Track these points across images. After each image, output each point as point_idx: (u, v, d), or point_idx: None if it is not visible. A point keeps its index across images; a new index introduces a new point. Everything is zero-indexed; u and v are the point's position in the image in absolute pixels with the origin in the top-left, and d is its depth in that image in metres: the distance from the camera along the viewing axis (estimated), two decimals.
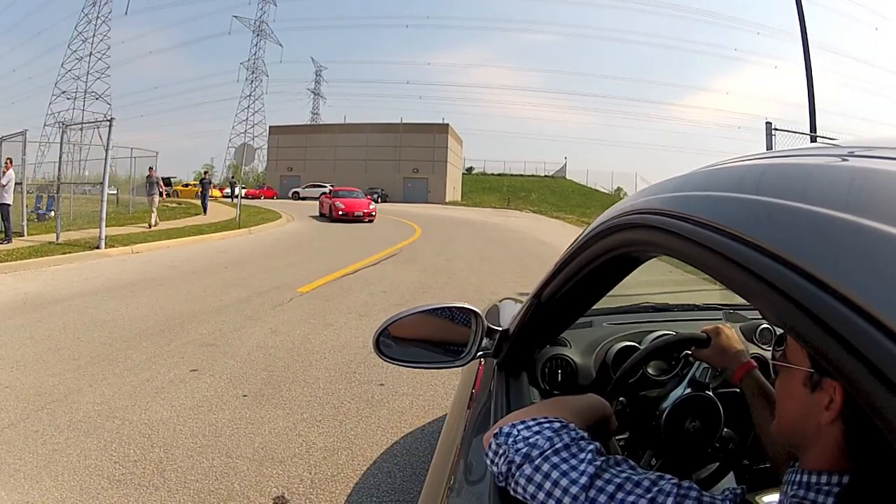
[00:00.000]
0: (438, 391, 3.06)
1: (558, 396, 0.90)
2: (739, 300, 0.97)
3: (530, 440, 0.60)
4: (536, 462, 0.57)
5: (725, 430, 0.92)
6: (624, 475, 0.53)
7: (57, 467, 2.16)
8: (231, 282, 6.26)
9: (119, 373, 3.24)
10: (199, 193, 18.70)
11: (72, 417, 2.62)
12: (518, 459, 0.59)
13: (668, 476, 0.53)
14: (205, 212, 17.00)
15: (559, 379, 1.19)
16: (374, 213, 17.40)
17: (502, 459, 0.61)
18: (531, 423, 0.63)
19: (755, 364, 0.88)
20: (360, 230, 14.24)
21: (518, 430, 0.62)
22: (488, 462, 0.64)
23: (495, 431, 0.64)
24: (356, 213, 16.88)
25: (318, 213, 19.64)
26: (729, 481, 0.93)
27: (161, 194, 14.11)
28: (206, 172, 19.26)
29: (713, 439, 0.91)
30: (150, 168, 13.84)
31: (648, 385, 1.07)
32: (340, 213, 16.92)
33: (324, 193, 21.45)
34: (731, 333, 0.92)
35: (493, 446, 0.63)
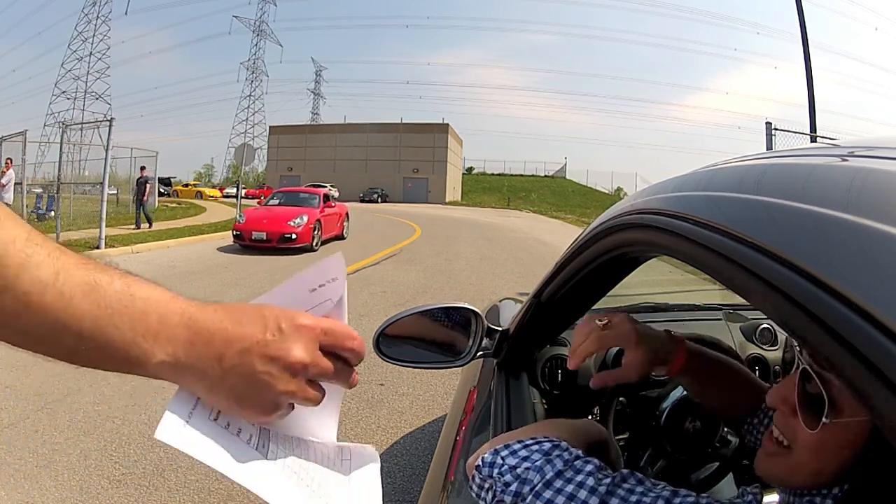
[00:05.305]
0: (438, 391, 3.06)
1: (551, 419, 0.80)
2: (739, 300, 0.96)
3: (517, 470, 0.53)
4: (528, 500, 0.50)
5: (725, 429, 0.92)
6: (634, 498, 0.47)
7: (57, 467, 2.16)
8: (231, 282, 6.26)
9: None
10: (135, 197, 12.60)
11: (72, 417, 2.62)
12: (508, 500, 0.51)
13: (684, 491, 0.48)
14: (149, 223, 11.76)
15: (559, 379, 1.19)
16: (298, 236, 8.96)
17: (490, 495, 0.53)
18: (517, 446, 0.55)
19: (687, 343, 0.71)
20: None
21: (502, 459, 0.54)
22: (474, 495, 0.56)
23: (477, 463, 0.56)
24: (255, 237, 8.94)
25: None
26: (729, 481, 0.93)
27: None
28: (143, 169, 12.76)
29: (713, 439, 0.92)
30: None
31: (648, 385, 1.06)
32: (234, 233, 9.32)
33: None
34: (640, 329, 0.69)
35: (478, 479, 0.56)
